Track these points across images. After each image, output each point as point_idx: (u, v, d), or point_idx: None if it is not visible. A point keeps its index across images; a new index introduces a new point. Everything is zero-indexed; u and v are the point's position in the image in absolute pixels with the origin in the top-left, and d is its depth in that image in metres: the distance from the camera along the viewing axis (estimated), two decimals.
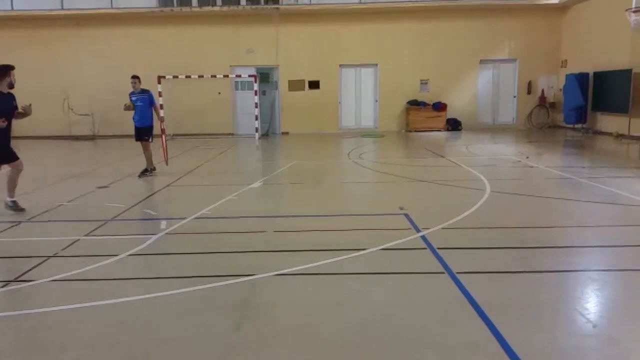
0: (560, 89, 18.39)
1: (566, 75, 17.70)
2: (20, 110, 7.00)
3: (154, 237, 5.60)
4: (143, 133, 10.04)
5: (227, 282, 4.26)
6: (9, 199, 6.96)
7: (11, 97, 6.92)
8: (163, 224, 6.16)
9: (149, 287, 4.23)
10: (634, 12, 12.85)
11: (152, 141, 10.12)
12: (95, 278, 4.50)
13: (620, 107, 15.17)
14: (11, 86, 6.87)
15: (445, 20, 18.71)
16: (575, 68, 17.53)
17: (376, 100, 19.56)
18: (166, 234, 5.79)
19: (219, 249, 5.28)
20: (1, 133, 6.76)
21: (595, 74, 16.48)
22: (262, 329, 3.50)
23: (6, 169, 7.05)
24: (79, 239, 5.71)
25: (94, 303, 3.90)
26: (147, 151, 9.99)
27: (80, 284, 4.39)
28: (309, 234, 5.89)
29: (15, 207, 6.94)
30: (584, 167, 10.08)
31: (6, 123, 6.72)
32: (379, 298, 4.00)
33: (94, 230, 6.05)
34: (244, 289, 4.17)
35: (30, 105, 7.06)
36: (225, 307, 3.83)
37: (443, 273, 4.43)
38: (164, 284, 4.28)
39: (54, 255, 5.15)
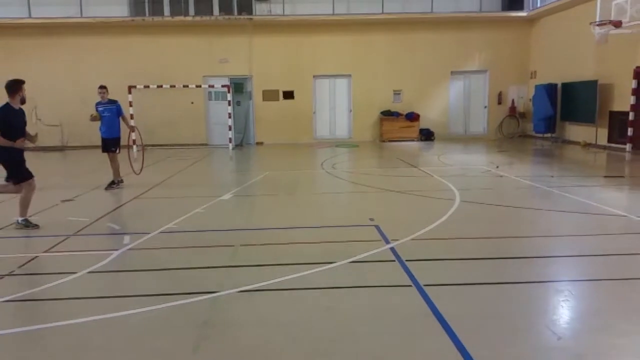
0: (530, 100, 18.76)
1: (535, 85, 18.08)
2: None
3: (115, 253, 5.41)
4: (110, 144, 9.80)
5: (188, 300, 4.11)
6: (20, 218, 6.66)
7: (22, 113, 6.71)
8: (126, 239, 5.97)
9: (104, 307, 4.06)
10: (598, 25, 13.21)
11: (119, 152, 9.89)
12: (49, 298, 4.30)
13: (587, 117, 15.54)
14: (23, 101, 6.66)
15: (417, 32, 18.94)
16: (544, 79, 17.92)
17: (350, 111, 19.63)
18: (129, 249, 5.60)
19: (182, 265, 5.11)
20: (18, 151, 6.55)
21: (563, 84, 16.87)
22: (222, 350, 3.37)
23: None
24: (37, 256, 5.50)
25: (43, 326, 3.71)
26: (114, 163, 9.75)
27: (31, 305, 4.19)
28: (278, 247, 5.78)
29: (28, 224, 6.65)
30: (552, 176, 10.23)
31: (25, 141, 6.54)
32: (344, 314, 3.91)
33: (54, 246, 5.83)
34: (206, 307, 4.03)
35: (36, 134, 6.86)
36: (185, 327, 3.68)
37: (410, 286, 4.38)
38: (121, 303, 4.12)
39: (10, 274, 4.93)
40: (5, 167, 6.62)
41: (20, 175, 6.64)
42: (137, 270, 5.01)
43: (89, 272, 4.85)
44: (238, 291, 4.31)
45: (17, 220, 6.66)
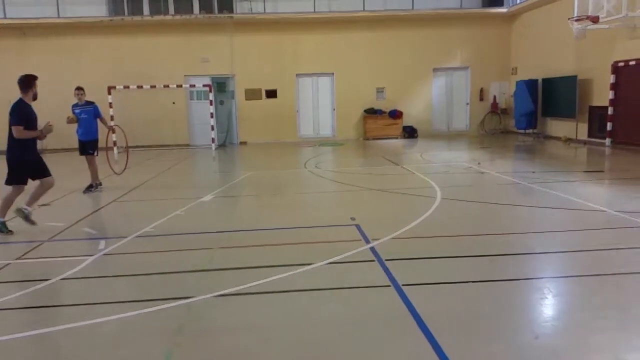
0: (512, 96, 18.89)
1: (516, 82, 18.21)
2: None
3: (90, 259, 5.29)
4: (88, 147, 9.64)
5: (162, 307, 4.01)
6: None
7: (32, 109, 6.57)
8: (102, 244, 5.85)
9: (76, 315, 3.95)
10: (576, 20, 13.32)
11: (97, 155, 9.72)
12: (19, 307, 4.18)
13: (568, 112, 15.69)
14: (35, 97, 6.52)
15: (399, 30, 18.96)
16: (525, 75, 18.06)
17: (334, 109, 19.59)
18: (104, 255, 5.48)
19: (157, 270, 5.01)
20: (33, 153, 6.49)
21: (543, 80, 17.01)
22: (195, 358, 3.29)
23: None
24: (9, 263, 5.35)
25: (13, 336, 3.58)
26: (92, 166, 9.58)
27: (1, 315, 4.05)
28: (256, 249, 5.70)
29: (2, 228, 6.50)
30: (533, 172, 10.28)
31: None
32: (321, 317, 3.86)
33: (27, 252, 5.70)
34: (180, 313, 3.93)
35: (49, 123, 6.54)
36: (157, 334, 3.59)
37: (389, 286, 4.34)
38: (93, 311, 4.01)
39: None
40: (9, 165, 6.47)
41: (16, 178, 6.51)
42: (111, 276, 4.89)
43: (62, 279, 4.73)
44: (214, 296, 4.23)
45: None
